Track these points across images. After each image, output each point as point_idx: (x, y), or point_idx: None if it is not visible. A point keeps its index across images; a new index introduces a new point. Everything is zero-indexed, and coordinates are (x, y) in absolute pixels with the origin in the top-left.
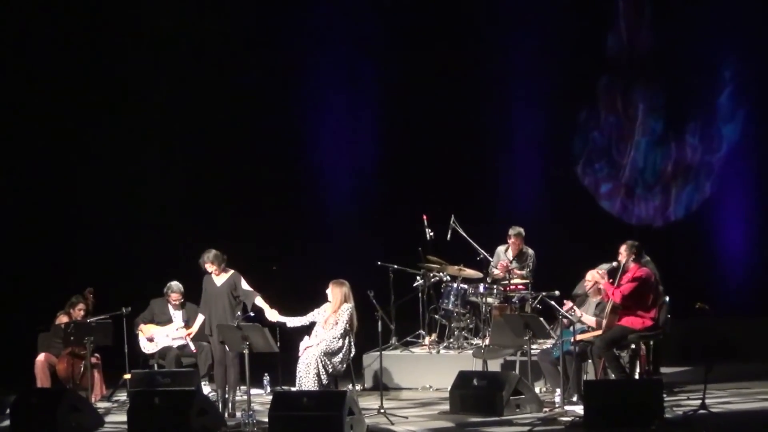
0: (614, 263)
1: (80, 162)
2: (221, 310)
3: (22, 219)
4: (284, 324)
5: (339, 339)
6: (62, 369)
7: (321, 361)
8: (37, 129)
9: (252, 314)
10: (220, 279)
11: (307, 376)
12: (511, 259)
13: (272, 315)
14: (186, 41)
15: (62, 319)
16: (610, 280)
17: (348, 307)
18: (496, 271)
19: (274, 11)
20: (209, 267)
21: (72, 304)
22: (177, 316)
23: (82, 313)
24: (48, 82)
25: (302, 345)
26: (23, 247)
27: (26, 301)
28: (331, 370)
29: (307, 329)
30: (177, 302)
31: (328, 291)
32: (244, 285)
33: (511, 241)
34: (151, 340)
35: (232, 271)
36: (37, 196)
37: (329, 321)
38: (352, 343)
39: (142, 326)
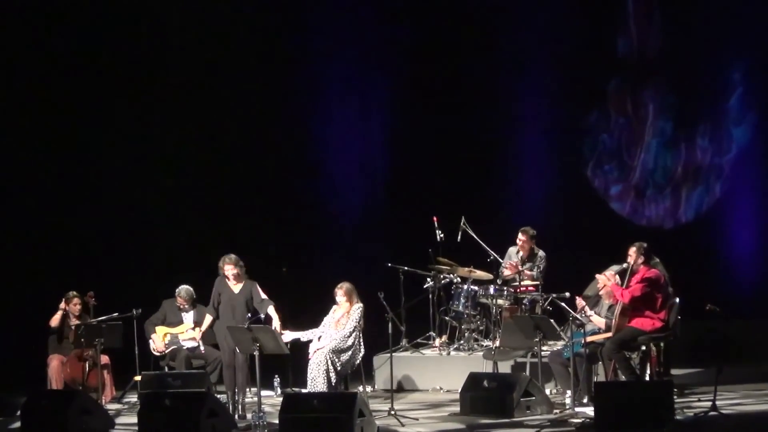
0: (624, 264)
1: (91, 162)
2: (236, 316)
3: (33, 221)
4: (298, 339)
5: (349, 337)
6: (66, 373)
7: (329, 359)
8: (44, 129)
9: (262, 316)
10: (237, 286)
11: (318, 376)
12: (522, 260)
13: (280, 330)
14: (196, 48)
15: (56, 318)
16: (618, 282)
17: (358, 307)
18: (506, 272)
19: (283, 17)
20: (229, 271)
21: (68, 299)
22: (188, 317)
23: (78, 307)
24: (56, 79)
25: (312, 347)
26: (36, 249)
27: (37, 302)
28: (339, 368)
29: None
30: (183, 306)
31: (338, 296)
32: (262, 294)
33: (520, 241)
34: (161, 352)
35: (246, 278)
36: (49, 197)
37: (341, 322)
38: (361, 342)
39: (153, 336)
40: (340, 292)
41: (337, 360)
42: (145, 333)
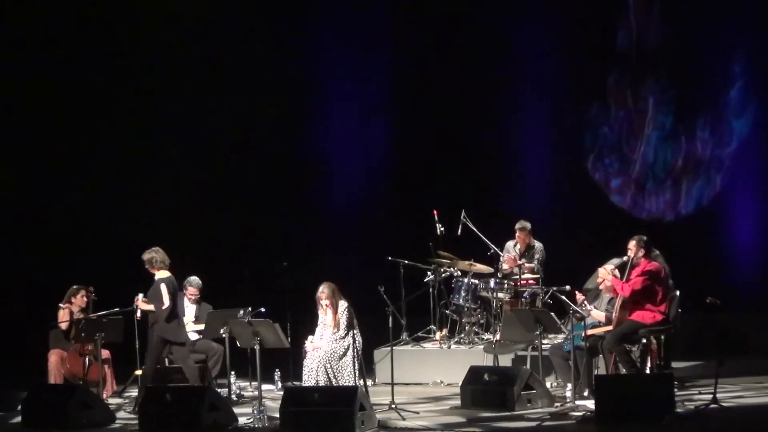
0: (625, 257)
1: (89, 158)
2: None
3: (33, 215)
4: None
5: (344, 338)
6: (66, 368)
7: (326, 368)
8: (43, 124)
9: (263, 310)
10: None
11: (308, 381)
12: (519, 253)
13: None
14: (195, 41)
15: (63, 313)
16: (618, 276)
17: (344, 309)
18: (505, 266)
19: (284, 9)
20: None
21: (73, 291)
22: (190, 310)
23: (85, 299)
24: (54, 78)
25: (308, 346)
26: (36, 244)
27: (38, 297)
28: (338, 376)
29: (311, 329)
30: (193, 297)
31: (323, 301)
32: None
33: (517, 235)
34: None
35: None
36: (49, 191)
37: (335, 324)
38: (358, 340)
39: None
40: (323, 296)
41: (336, 364)
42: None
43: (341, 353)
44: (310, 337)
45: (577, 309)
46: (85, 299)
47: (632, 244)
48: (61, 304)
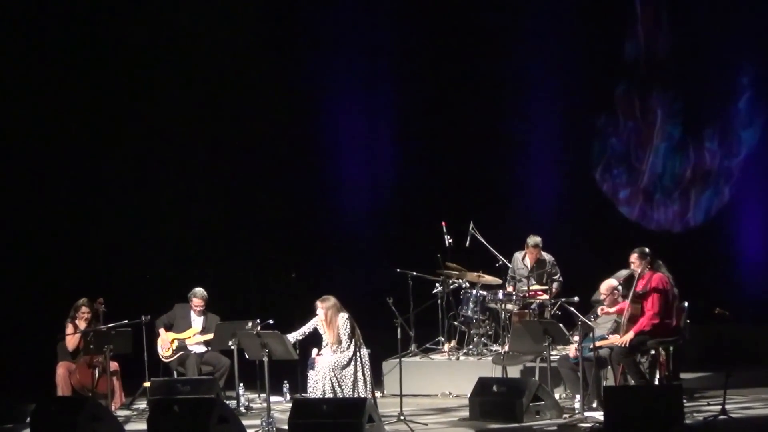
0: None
1: (100, 170)
2: None
3: (42, 227)
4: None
5: (347, 349)
6: (75, 380)
7: (331, 378)
8: (54, 139)
9: (271, 322)
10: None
11: (314, 393)
12: (529, 266)
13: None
14: (201, 51)
15: (70, 328)
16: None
17: (344, 318)
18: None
19: (290, 18)
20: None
21: (77, 307)
22: (197, 321)
23: (85, 317)
24: (70, 90)
25: (317, 359)
26: (44, 256)
27: (46, 309)
28: (344, 386)
29: (318, 341)
30: (198, 308)
31: (319, 311)
32: None
33: (528, 250)
34: (164, 348)
35: None
36: (59, 204)
37: (335, 340)
38: (362, 352)
39: (160, 332)
40: (319, 317)
41: (339, 373)
42: (155, 328)
43: (344, 362)
44: (314, 350)
45: (585, 320)
46: (85, 315)
47: (634, 257)
48: (68, 320)
